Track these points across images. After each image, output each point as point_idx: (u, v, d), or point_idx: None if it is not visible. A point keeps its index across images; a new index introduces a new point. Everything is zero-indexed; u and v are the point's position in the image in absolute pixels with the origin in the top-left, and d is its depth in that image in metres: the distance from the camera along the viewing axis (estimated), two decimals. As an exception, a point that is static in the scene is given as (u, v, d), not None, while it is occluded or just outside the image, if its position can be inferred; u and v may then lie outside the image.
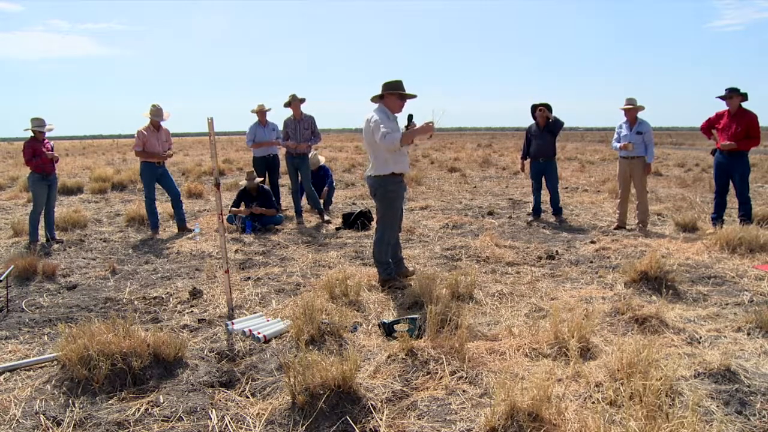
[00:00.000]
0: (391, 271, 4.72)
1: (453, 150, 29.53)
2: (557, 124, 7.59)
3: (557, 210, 7.90)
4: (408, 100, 4.64)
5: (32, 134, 6.49)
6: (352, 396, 2.72)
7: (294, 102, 7.63)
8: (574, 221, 7.86)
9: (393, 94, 4.48)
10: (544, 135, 7.62)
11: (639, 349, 2.88)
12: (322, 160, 9.29)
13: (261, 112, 8.30)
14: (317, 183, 8.77)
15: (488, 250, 5.97)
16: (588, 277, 4.98)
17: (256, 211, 7.41)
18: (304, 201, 8.36)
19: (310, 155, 8.41)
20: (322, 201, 9.10)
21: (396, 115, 4.58)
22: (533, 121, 7.82)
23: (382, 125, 4.33)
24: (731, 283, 4.69)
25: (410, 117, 4.56)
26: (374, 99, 4.61)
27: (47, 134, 6.64)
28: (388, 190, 4.52)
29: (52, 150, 6.63)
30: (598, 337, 3.46)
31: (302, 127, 7.72)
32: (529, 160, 7.92)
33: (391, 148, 4.34)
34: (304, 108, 7.77)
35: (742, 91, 6.36)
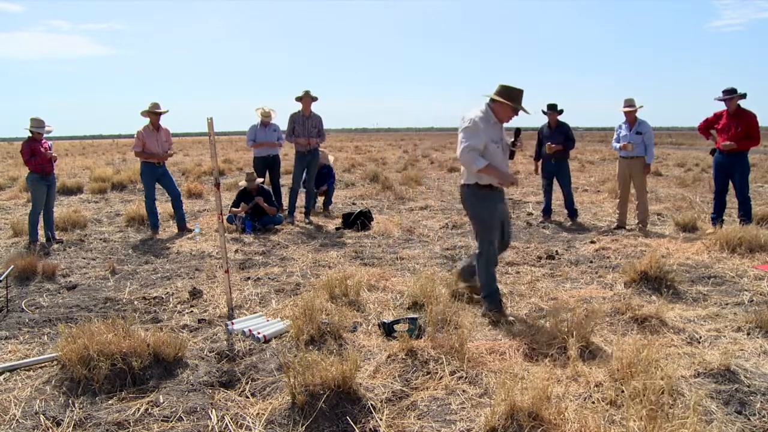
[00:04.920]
0: (499, 300, 3.98)
1: (453, 150, 29.54)
2: (568, 142, 7.53)
3: (572, 212, 7.73)
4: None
5: (30, 134, 6.48)
6: (352, 396, 2.72)
7: (306, 98, 7.58)
8: (574, 221, 7.86)
9: (507, 105, 3.84)
10: (555, 136, 7.48)
11: (639, 349, 2.88)
12: (331, 159, 9.29)
13: (266, 117, 8.30)
14: (318, 180, 8.75)
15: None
16: (588, 277, 4.98)
17: (259, 203, 7.40)
18: (300, 202, 8.33)
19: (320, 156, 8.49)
20: (322, 200, 9.11)
21: (503, 124, 3.99)
22: (545, 122, 7.69)
23: (470, 137, 3.75)
24: (731, 283, 4.69)
25: (518, 132, 4.05)
26: (487, 95, 3.93)
27: (46, 135, 6.63)
28: (472, 202, 3.98)
29: (50, 149, 6.62)
30: (598, 337, 3.46)
31: (310, 125, 7.67)
32: (541, 160, 7.84)
33: (466, 166, 3.84)
34: (314, 108, 7.75)
35: (740, 91, 6.36)
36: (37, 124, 6.44)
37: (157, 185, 7.26)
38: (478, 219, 4.01)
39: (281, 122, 8.42)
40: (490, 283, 3.97)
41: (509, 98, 3.83)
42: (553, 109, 7.48)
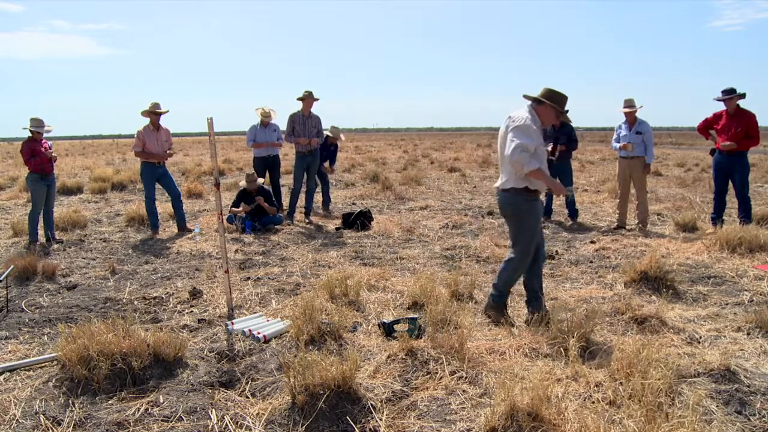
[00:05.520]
0: (504, 304, 3.90)
1: (453, 150, 29.53)
2: (572, 143, 7.46)
3: (573, 212, 7.73)
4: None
5: (30, 134, 6.49)
6: (352, 396, 2.72)
7: (308, 99, 7.65)
8: (574, 221, 7.86)
9: (553, 108, 3.69)
10: (558, 136, 7.33)
11: (639, 349, 2.88)
12: (343, 137, 9.36)
13: (266, 117, 8.31)
14: (328, 155, 8.88)
15: (488, 250, 5.97)
16: (588, 277, 4.98)
17: (259, 202, 7.40)
18: (300, 202, 8.33)
19: (333, 132, 8.79)
20: (323, 201, 9.13)
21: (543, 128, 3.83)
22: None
23: (522, 136, 3.53)
24: (731, 283, 4.69)
25: (556, 139, 3.90)
26: (529, 98, 3.79)
27: (46, 135, 6.64)
28: (520, 209, 3.73)
29: (50, 149, 6.63)
30: (598, 337, 3.46)
31: (310, 125, 7.73)
32: None
33: (514, 166, 3.57)
34: (313, 108, 7.81)
35: (740, 91, 6.36)
36: (37, 124, 6.45)
37: (157, 185, 7.26)
38: (524, 226, 3.76)
39: (281, 122, 8.45)
40: (507, 287, 3.86)
41: (558, 103, 3.68)
42: None
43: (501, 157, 3.76)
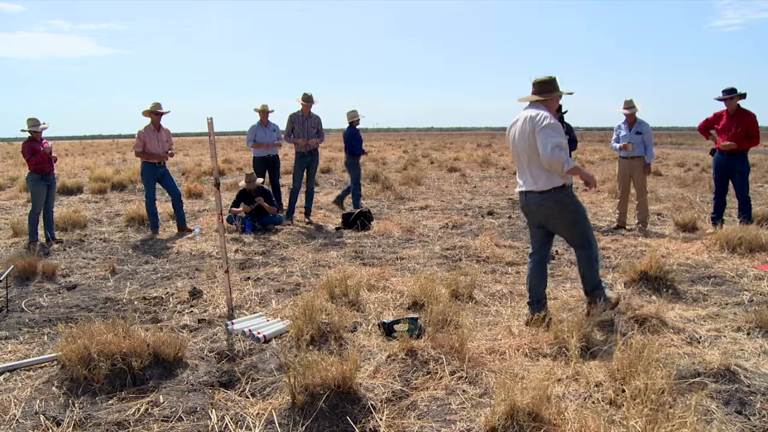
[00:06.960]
0: (603, 289, 3.79)
1: (453, 150, 29.54)
2: (572, 143, 7.42)
3: None
4: None
5: (29, 134, 6.52)
6: (352, 396, 2.72)
7: (308, 102, 7.75)
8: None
9: (559, 96, 3.73)
10: None
11: (639, 349, 2.88)
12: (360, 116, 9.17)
13: (264, 113, 8.32)
14: (358, 139, 8.88)
15: (488, 250, 5.97)
16: (588, 277, 4.97)
17: (260, 202, 7.41)
18: (300, 202, 8.34)
19: (352, 115, 8.78)
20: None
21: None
22: None
23: (556, 134, 3.47)
24: (731, 283, 4.69)
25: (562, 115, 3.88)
26: (532, 99, 3.72)
27: (44, 133, 6.67)
28: (567, 204, 3.70)
29: (50, 148, 6.65)
30: (598, 337, 3.46)
31: (310, 125, 7.80)
32: None
33: (553, 166, 3.51)
34: (313, 108, 7.89)
35: (740, 91, 6.36)
36: (33, 123, 6.51)
37: (158, 185, 7.27)
38: (579, 217, 3.75)
39: (281, 122, 8.48)
40: (597, 278, 3.77)
41: (557, 89, 3.70)
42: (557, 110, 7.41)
43: (527, 159, 3.66)
